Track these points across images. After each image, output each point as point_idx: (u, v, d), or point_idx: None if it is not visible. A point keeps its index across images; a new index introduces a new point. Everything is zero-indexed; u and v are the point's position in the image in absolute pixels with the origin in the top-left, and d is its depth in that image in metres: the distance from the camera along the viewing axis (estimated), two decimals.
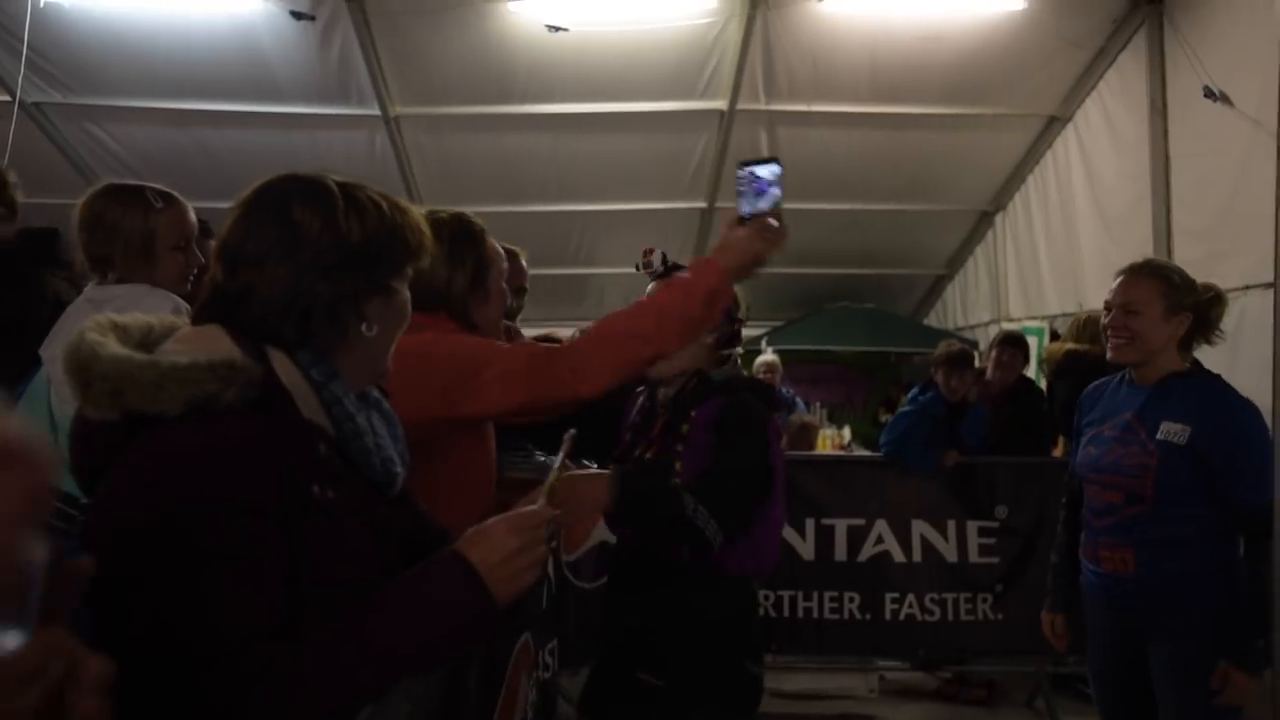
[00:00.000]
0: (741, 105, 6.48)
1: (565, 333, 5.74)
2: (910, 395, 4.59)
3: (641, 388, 2.35)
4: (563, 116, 6.56)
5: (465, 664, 1.56)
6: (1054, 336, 5.30)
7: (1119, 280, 2.47)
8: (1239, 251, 4.61)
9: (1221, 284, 4.65)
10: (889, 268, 8.76)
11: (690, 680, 2.18)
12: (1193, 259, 5.38)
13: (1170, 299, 2.39)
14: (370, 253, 1.18)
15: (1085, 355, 4.35)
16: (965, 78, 6.18)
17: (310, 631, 1.02)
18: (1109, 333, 2.45)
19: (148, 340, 1.14)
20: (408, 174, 6.99)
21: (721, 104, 6.49)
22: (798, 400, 6.37)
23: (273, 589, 1.02)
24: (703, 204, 7.56)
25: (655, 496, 2.01)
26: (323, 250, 1.14)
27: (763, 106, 6.49)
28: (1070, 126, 6.52)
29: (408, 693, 1.07)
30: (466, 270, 1.91)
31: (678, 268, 2.27)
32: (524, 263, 3.26)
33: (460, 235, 1.94)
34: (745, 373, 2.29)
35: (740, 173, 1.87)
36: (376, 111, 6.33)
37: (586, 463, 3.09)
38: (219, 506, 1.00)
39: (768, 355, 6.58)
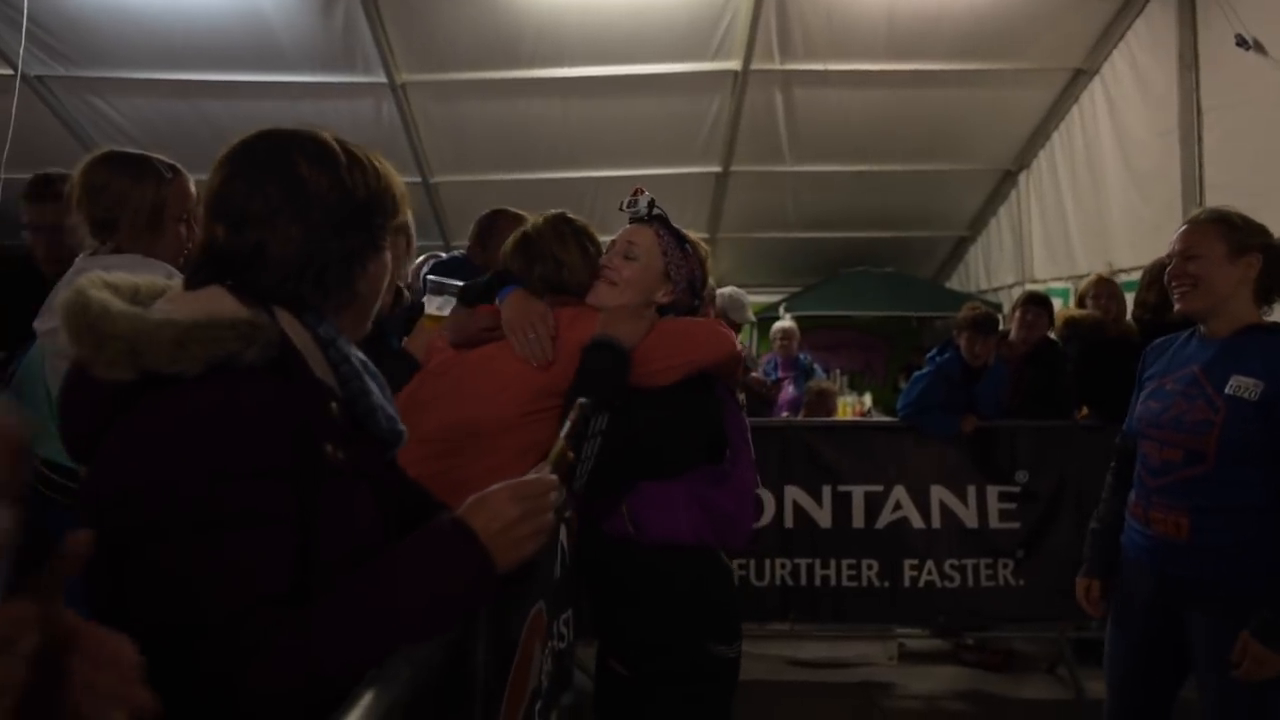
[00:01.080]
0: (755, 65, 6.42)
1: None
2: (929, 355, 4.59)
3: None
4: (572, 80, 6.53)
5: (473, 631, 1.59)
6: (1080, 300, 5.27)
7: (1178, 232, 2.37)
8: (1273, 207, 4.55)
9: None
10: (909, 230, 8.70)
11: (648, 665, 2.06)
12: None
13: (1232, 239, 2.26)
14: (371, 209, 1.20)
15: (1082, 321, 4.37)
16: (986, 31, 6.10)
17: (319, 595, 1.04)
18: (1172, 284, 2.33)
19: (137, 300, 1.13)
20: (416, 142, 6.99)
21: (735, 64, 6.43)
22: (816, 367, 6.37)
23: (282, 554, 1.03)
24: (717, 168, 7.52)
25: (602, 382, 1.93)
26: (332, 207, 1.16)
27: (777, 66, 6.43)
28: (1097, 80, 6.43)
29: (409, 658, 1.09)
30: (591, 261, 2.19)
31: (662, 219, 2.24)
32: None
33: (586, 233, 2.22)
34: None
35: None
36: (383, 79, 6.32)
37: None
38: (237, 471, 1.01)
39: (785, 322, 6.57)
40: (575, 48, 6.25)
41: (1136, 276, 6.14)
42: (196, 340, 1.03)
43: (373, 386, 1.22)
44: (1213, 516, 2.22)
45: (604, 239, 7.87)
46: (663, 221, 2.21)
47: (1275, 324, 2.33)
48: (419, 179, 7.31)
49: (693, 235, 2.23)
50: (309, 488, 1.06)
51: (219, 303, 1.11)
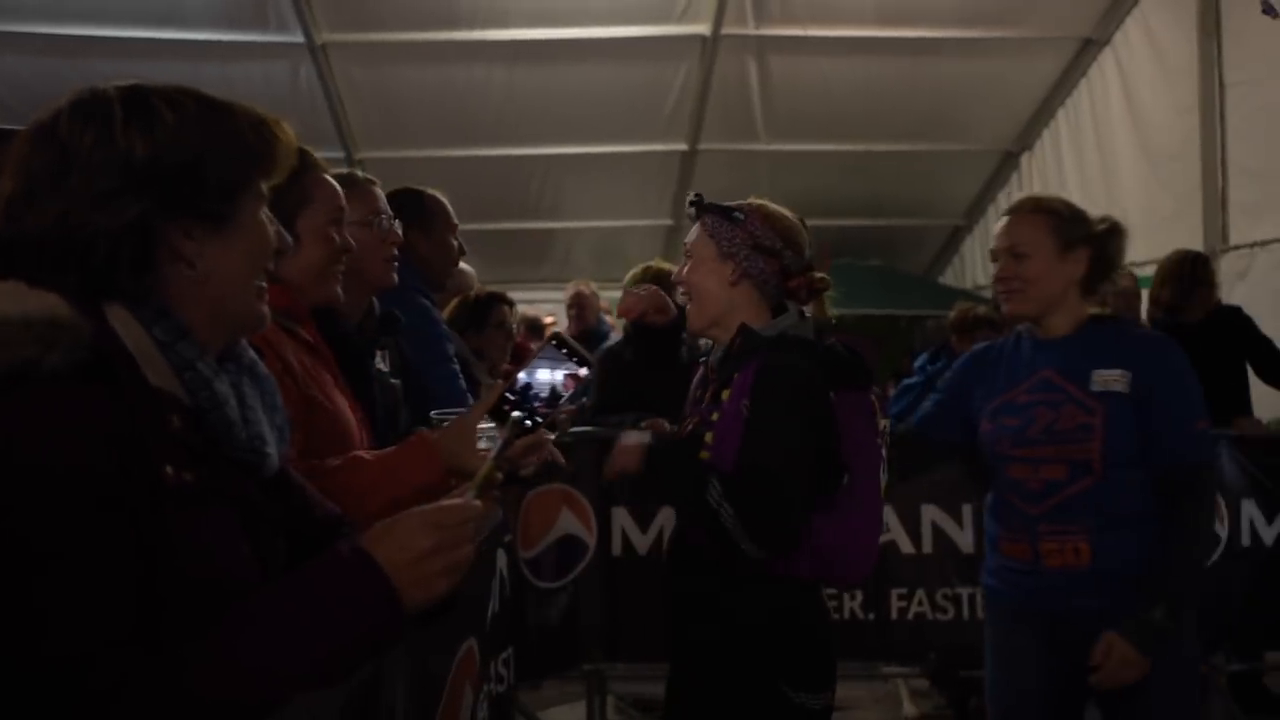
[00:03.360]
0: (727, 29, 6.43)
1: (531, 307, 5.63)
2: (918, 363, 4.59)
3: (704, 356, 2.30)
4: (518, 44, 6.49)
5: (389, 671, 1.52)
6: None
7: (1001, 224, 2.43)
8: None
9: None
10: (899, 218, 8.75)
11: (712, 700, 2.06)
12: (1249, 201, 5.40)
13: (1061, 234, 2.33)
14: (166, 168, 1.09)
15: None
16: None
17: (174, 641, 0.97)
18: (999, 285, 2.39)
19: None
20: (339, 111, 6.90)
21: (703, 28, 6.43)
22: None
23: (119, 591, 0.97)
24: (683, 146, 7.51)
25: (679, 476, 2.01)
26: (95, 171, 1.07)
27: (751, 31, 6.45)
28: (1108, 50, 6.50)
29: (305, 704, 1.03)
30: None
31: (707, 207, 2.23)
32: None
33: None
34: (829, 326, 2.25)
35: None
36: (300, 39, 6.24)
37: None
38: (46, 496, 0.94)
39: None
40: (522, 7, 6.22)
41: (1153, 271, 6.24)
42: None
43: (238, 396, 1.14)
44: (1112, 533, 2.22)
45: (552, 224, 7.82)
46: (708, 208, 2.20)
47: (1111, 315, 2.41)
48: (342, 154, 7.21)
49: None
50: (144, 514, 0.99)
51: (13, 300, 1.04)
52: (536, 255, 8.49)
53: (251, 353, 1.23)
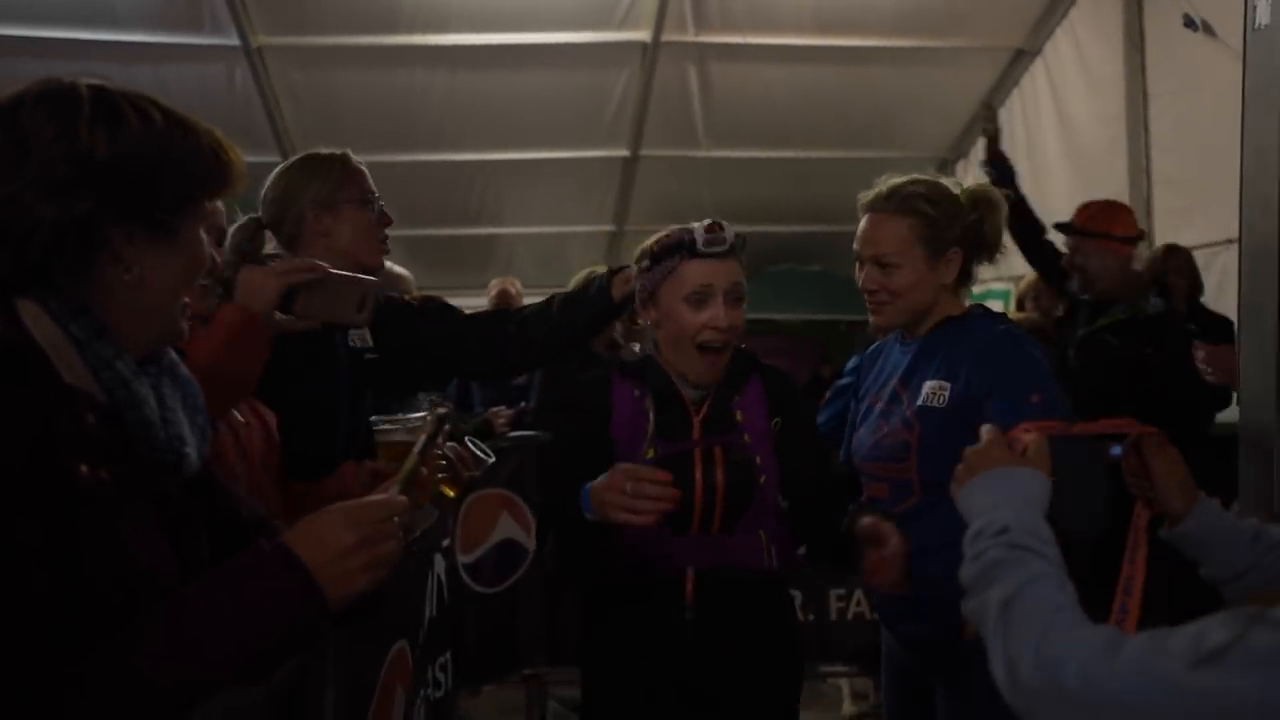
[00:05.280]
0: (667, 36, 6.45)
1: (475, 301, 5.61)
2: (850, 365, 4.64)
3: (629, 383, 2.23)
4: (459, 49, 6.46)
5: (318, 673, 1.52)
6: (1019, 303, 5.43)
7: (863, 223, 2.21)
8: (1225, 201, 4.74)
9: (1205, 238, 4.84)
10: (839, 224, 8.70)
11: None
12: (1175, 208, 5.55)
13: (932, 240, 2.15)
14: (124, 173, 1.10)
15: (1020, 325, 4.49)
16: (922, 5, 6.24)
17: (91, 643, 0.97)
18: (866, 296, 2.21)
19: None
20: (276, 116, 6.81)
21: (644, 35, 6.45)
22: None
23: (35, 594, 0.96)
24: (625, 152, 7.52)
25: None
26: (52, 162, 1.07)
27: (691, 38, 6.48)
28: (1039, 61, 6.64)
29: (223, 704, 1.04)
30: None
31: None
32: None
33: None
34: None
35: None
36: (235, 41, 6.15)
37: (474, 442, 3.05)
38: None
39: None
40: (462, 12, 6.17)
41: None
42: None
43: (158, 396, 1.14)
44: (932, 559, 1.89)
45: (494, 230, 7.79)
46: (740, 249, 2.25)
47: (970, 308, 2.26)
48: (279, 158, 7.03)
49: None
50: (56, 514, 0.99)
51: None
52: (479, 261, 8.45)
53: (173, 354, 1.24)
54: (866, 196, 2.25)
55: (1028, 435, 1.39)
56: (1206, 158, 4.98)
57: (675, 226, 2.19)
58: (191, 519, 1.17)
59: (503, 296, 5.66)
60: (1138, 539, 1.51)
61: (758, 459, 2.15)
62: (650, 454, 2.11)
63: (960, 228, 2.19)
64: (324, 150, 2.46)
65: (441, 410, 1.40)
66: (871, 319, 2.26)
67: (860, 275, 2.23)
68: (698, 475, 2.12)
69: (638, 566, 2.13)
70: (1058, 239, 4.38)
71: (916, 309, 2.20)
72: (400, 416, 1.98)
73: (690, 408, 2.17)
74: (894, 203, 2.17)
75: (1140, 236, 4.28)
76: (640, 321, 2.31)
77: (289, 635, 1.06)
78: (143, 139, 1.11)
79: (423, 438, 1.34)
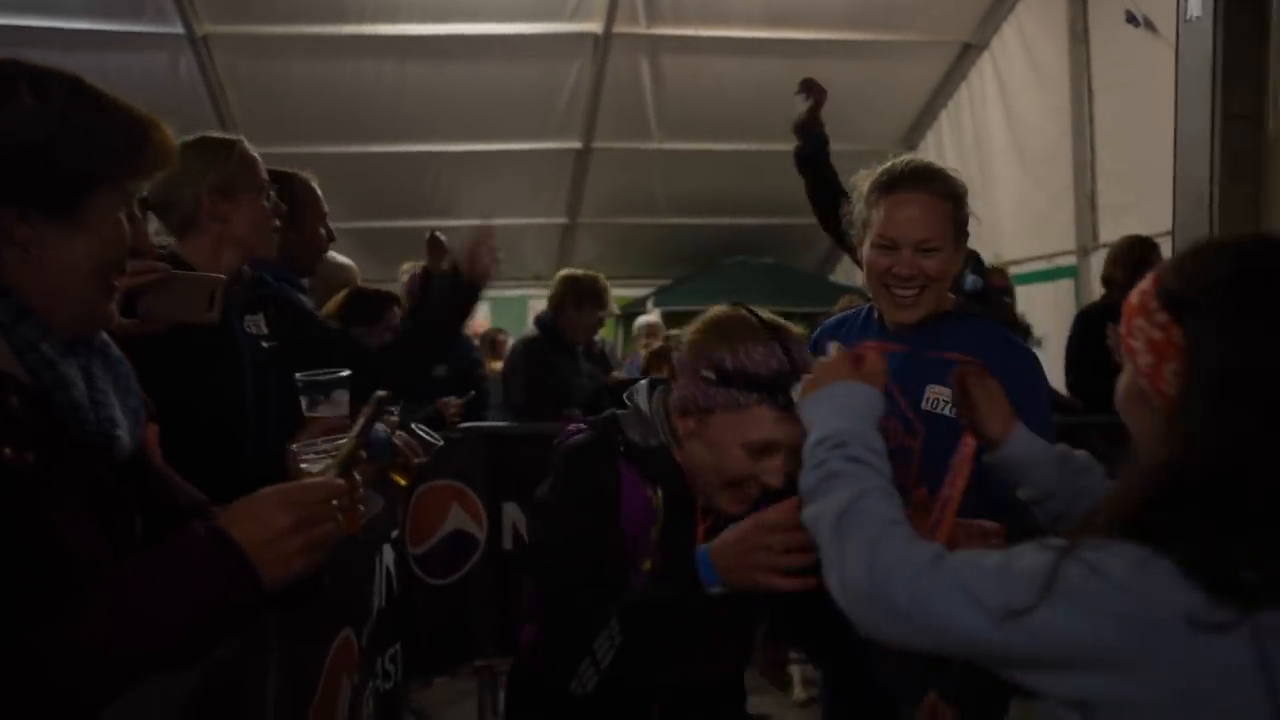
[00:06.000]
0: (619, 28, 6.46)
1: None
2: (812, 338, 4.69)
3: (637, 472, 1.84)
4: (409, 39, 6.42)
5: (258, 660, 1.51)
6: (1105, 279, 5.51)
7: (904, 203, 2.01)
8: (1164, 195, 4.84)
9: (1148, 229, 4.93)
10: (791, 217, 8.84)
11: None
12: (1117, 202, 5.65)
13: (959, 220, 2.03)
14: (10, 153, 1.07)
15: None
16: None
17: (22, 623, 0.96)
18: (892, 284, 2.03)
19: None
20: (222, 106, 6.73)
21: (595, 26, 6.45)
22: None
23: None
24: (577, 144, 7.52)
25: None
26: None
27: (643, 30, 6.50)
28: (986, 55, 6.75)
29: (160, 684, 1.03)
30: None
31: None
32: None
33: None
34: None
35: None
36: (179, 29, 6.08)
37: (421, 429, 3.04)
38: None
39: (649, 316, 6.61)
40: (413, 2, 6.15)
41: (1027, 269, 6.47)
42: None
43: (87, 379, 1.13)
44: None
45: (445, 223, 7.72)
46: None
47: (964, 306, 2.18)
48: None
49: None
50: None
51: None
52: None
53: (105, 336, 1.22)
54: (882, 176, 2.07)
55: (870, 353, 1.45)
56: (1148, 151, 5.07)
57: (758, 346, 1.72)
58: (125, 502, 1.16)
59: (416, 280, 5.52)
60: (960, 465, 1.60)
61: None
62: (648, 566, 1.81)
63: (968, 212, 2.08)
64: (216, 134, 2.41)
65: (379, 394, 1.38)
66: (899, 313, 2.05)
67: (883, 261, 2.02)
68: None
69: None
70: None
71: (942, 298, 2.06)
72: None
73: (698, 515, 1.85)
74: (935, 184, 2.02)
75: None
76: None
77: (223, 615, 1.05)
78: (34, 117, 1.07)
79: (361, 420, 1.33)
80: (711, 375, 1.71)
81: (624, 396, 1.87)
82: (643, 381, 1.89)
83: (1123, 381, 1.22)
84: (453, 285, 2.61)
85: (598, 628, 1.61)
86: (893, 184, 2.02)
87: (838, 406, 1.39)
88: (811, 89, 3.83)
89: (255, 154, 2.36)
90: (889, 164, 2.08)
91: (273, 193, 2.35)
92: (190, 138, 2.31)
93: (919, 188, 2.00)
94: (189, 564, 1.05)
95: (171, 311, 1.88)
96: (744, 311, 1.73)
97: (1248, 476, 1.04)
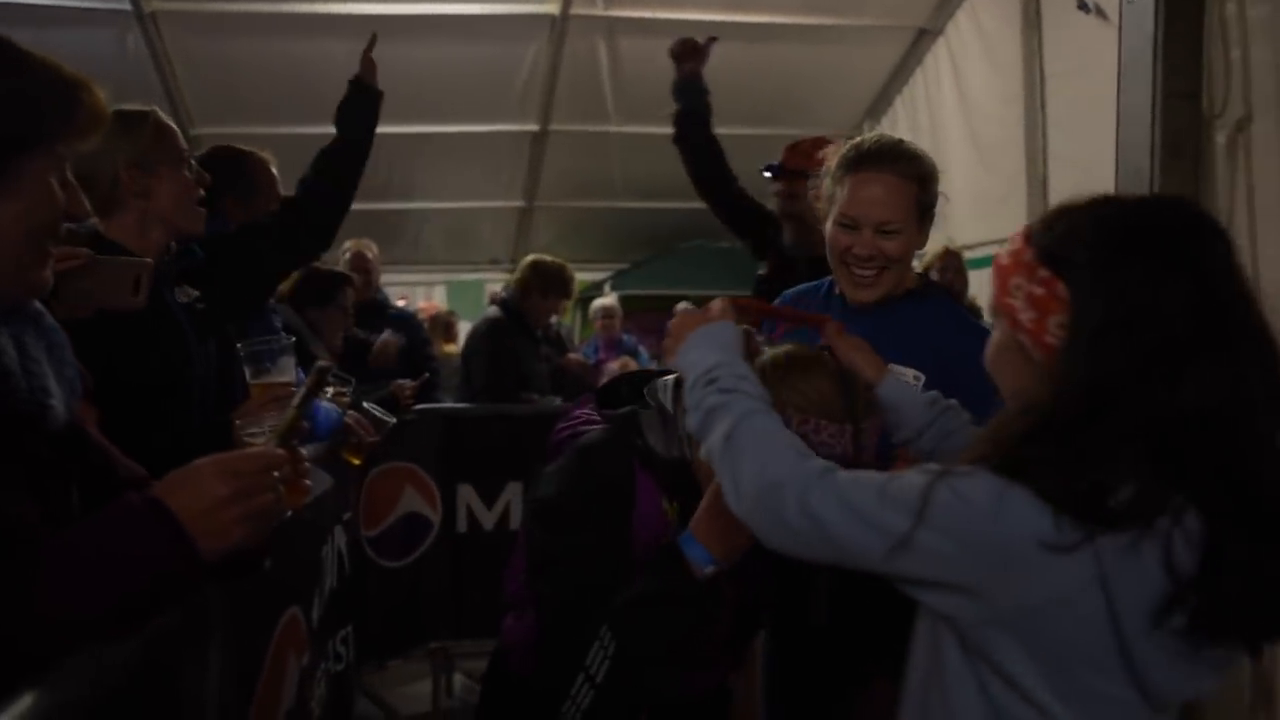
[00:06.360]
0: (576, 10, 6.42)
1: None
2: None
3: (651, 477, 1.74)
4: (364, 19, 6.29)
5: (196, 633, 1.50)
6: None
7: (867, 183, 1.98)
8: (1109, 184, 4.91)
9: None
10: None
11: None
12: (1067, 188, 5.69)
13: (924, 202, 2.02)
14: None
15: None
16: None
17: None
18: (852, 264, 2.01)
19: None
20: (171, 85, 6.61)
21: (552, 8, 6.41)
22: (641, 348, 6.47)
23: None
24: (534, 126, 7.48)
25: None
26: None
27: (600, 12, 6.46)
28: (941, 40, 6.77)
29: (96, 653, 1.02)
30: None
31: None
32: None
33: None
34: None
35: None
36: (126, 5, 5.94)
37: (373, 408, 3.03)
38: None
39: (606, 299, 6.61)
40: None
41: (980, 254, 6.53)
42: None
43: (20, 346, 1.11)
44: None
45: (402, 206, 7.62)
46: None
47: (924, 282, 2.16)
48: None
49: None
50: None
51: None
52: (387, 237, 8.30)
53: (39, 305, 1.20)
54: (850, 151, 2.05)
55: (715, 302, 1.58)
56: (1097, 136, 5.13)
57: (831, 425, 1.62)
58: (59, 472, 1.14)
59: (359, 259, 5.50)
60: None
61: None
62: None
63: (935, 195, 2.08)
64: (129, 106, 2.37)
65: (321, 364, 1.37)
66: (858, 292, 2.04)
67: (844, 239, 2.01)
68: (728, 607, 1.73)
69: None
70: None
71: (902, 279, 2.06)
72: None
73: None
74: (901, 165, 2.01)
75: None
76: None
77: (160, 584, 1.05)
78: None
79: (303, 390, 1.32)
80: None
81: (644, 392, 1.78)
82: (669, 378, 1.78)
83: (995, 339, 1.32)
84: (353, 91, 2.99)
85: (590, 640, 1.52)
86: (859, 161, 2.01)
87: (698, 346, 1.48)
88: (686, 53, 3.64)
89: (171, 123, 2.31)
90: (858, 139, 2.07)
91: (194, 162, 2.31)
92: None
93: (884, 167, 1.98)
94: (124, 532, 1.04)
95: (96, 297, 1.84)
96: (833, 367, 1.67)
97: (1115, 410, 1.14)
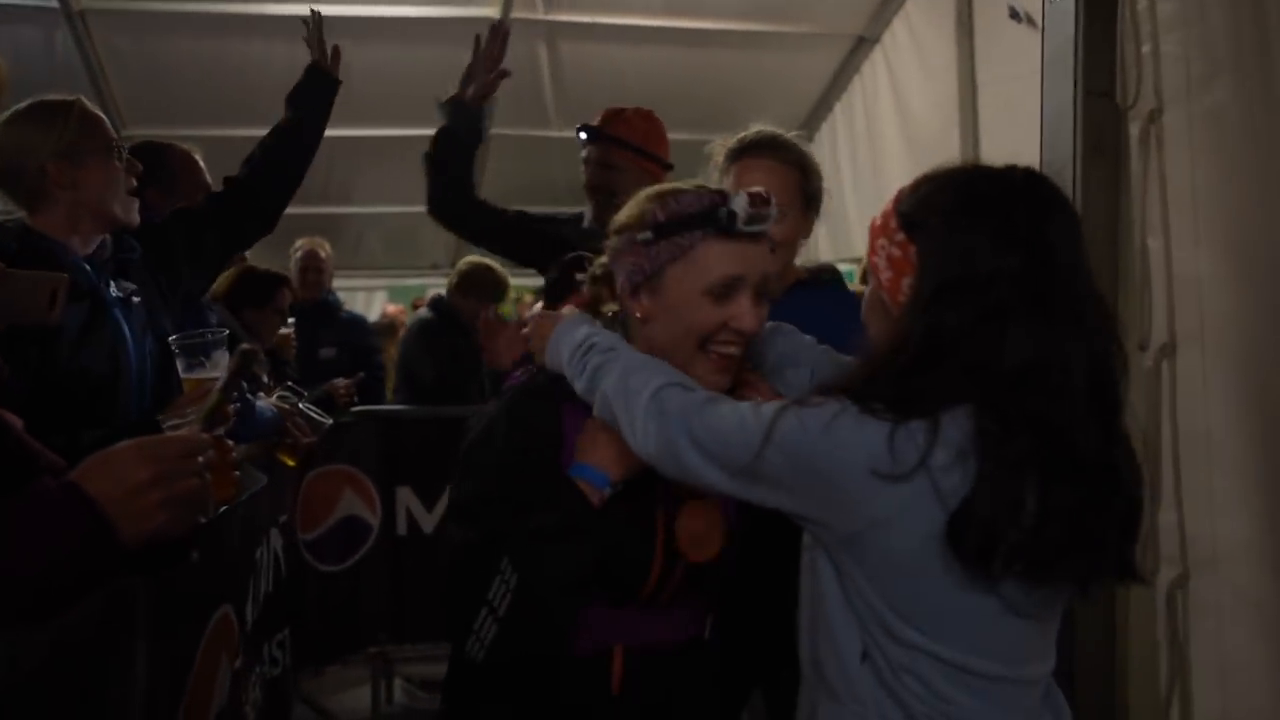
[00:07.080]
0: (516, 13, 6.40)
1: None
2: None
3: (581, 408, 1.68)
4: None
5: (121, 625, 1.48)
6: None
7: (750, 168, 2.04)
8: None
9: None
10: None
11: None
12: None
13: (808, 191, 2.09)
14: None
15: None
16: None
17: None
18: None
19: None
20: (102, 85, 6.48)
21: (492, 11, 6.38)
22: None
23: None
24: None
25: None
26: None
27: (540, 16, 6.46)
28: (878, 48, 6.86)
29: (9, 640, 1.01)
30: None
31: None
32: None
33: None
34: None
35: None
36: (53, 2, 5.82)
37: (310, 408, 3.00)
38: None
39: (540, 306, 6.62)
40: None
41: None
42: None
43: None
44: None
45: (341, 210, 7.57)
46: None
47: (817, 270, 2.23)
48: None
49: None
50: None
51: None
52: (328, 241, 8.27)
53: None
54: (734, 144, 2.15)
55: (567, 309, 1.73)
56: (1028, 140, 5.24)
57: (688, 186, 1.68)
58: None
59: (310, 258, 5.44)
60: None
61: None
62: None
63: (818, 187, 2.17)
64: (51, 97, 2.33)
65: (244, 348, 1.37)
66: None
67: None
68: (659, 535, 1.67)
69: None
70: None
71: (787, 266, 2.10)
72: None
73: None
74: (781, 152, 2.10)
75: (670, 168, 3.67)
76: (605, 311, 1.78)
77: (78, 569, 1.03)
78: None
79: (226, 374, 1.32)
80: (648, 234, 1.63)
81: None
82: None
83: (866, 295, 1.43)
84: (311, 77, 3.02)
85: (492, 575, 1.55)
86: (742, 151, 2.15)
87: (565, 334, 1.61)
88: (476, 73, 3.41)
89: (98, 112, 2.29)
90: (741, 134, 2.19)
91: (125, 151, 2.29)
92: (24, 104, 2.22)
93: (764, 154, 2.11)
94: (40, 516, 1.03)
95: (9, 312, 1.78)
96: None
97: (943, 363, 1.26)
